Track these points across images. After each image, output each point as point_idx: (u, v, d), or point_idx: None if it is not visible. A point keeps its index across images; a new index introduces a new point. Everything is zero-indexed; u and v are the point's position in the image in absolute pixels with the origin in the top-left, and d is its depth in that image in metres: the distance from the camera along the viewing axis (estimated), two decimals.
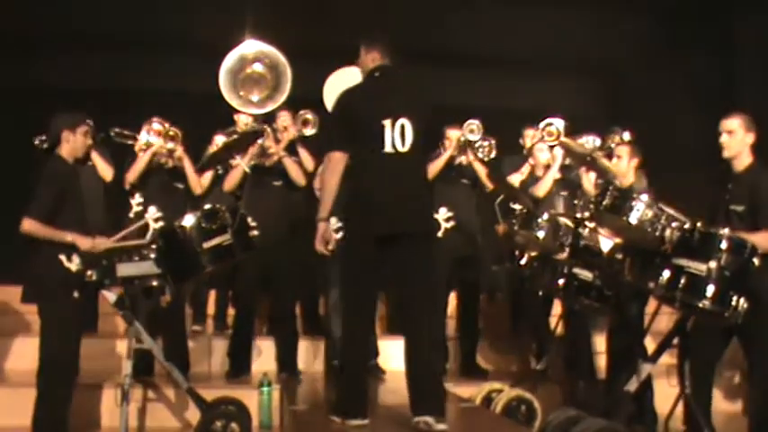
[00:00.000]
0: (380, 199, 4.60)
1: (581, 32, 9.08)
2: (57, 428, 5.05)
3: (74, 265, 5.02)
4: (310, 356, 6.98)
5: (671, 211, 4.77)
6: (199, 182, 6.80)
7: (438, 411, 4.49)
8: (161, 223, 5.83)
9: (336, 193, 4.71)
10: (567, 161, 7.01)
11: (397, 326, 7.26)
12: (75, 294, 5.03)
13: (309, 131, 6.98)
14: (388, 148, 4.60)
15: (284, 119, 6.98)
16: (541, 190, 7.01)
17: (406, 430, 4.45)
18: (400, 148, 4.61)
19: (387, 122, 4.60)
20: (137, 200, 6.80)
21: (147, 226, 6.30)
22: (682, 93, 8.93)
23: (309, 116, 6.96)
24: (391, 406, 5.10)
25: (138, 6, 8.57)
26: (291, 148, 6.91)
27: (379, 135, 4.59)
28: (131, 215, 6.71)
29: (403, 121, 4.61)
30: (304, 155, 6.96)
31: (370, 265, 4.64)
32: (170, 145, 6.65)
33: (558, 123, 7.08)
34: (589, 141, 7.04)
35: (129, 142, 6.83)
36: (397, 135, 4.60)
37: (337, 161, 4.69)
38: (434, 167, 6.81)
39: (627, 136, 7.18)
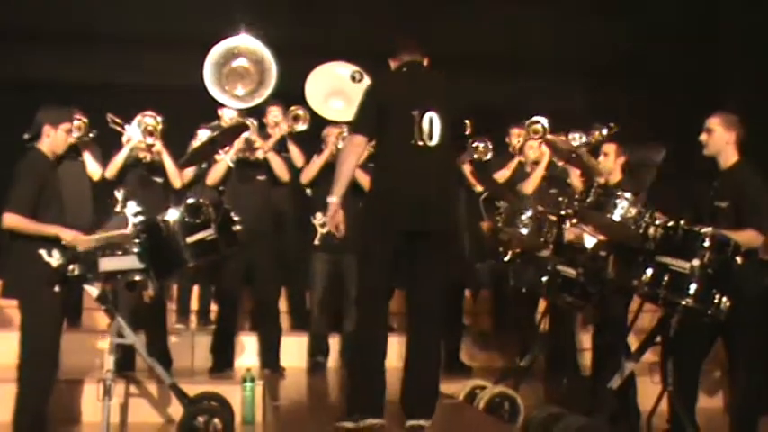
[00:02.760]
0: (406, 193, 4.46)
1: (565, 31, 9.11)
2: (37, 423, 5.02)
3: (54, 260, 4.98)
4: (293, 352, 6.96)
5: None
6: (178, 175, 6.77)
7: (431, 413, 4.48)
8: (140, 218, 5.80)
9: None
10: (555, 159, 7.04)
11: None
12: (56, 289, 4.99)
13: (300, 127, 6.96)
14: (417, 140, 4.47)
15: (275, 114, 6.97)
16: (529, 186, 7.02)
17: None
18: (429, 142, 4.48)
19: (416, 114, 4.47)
20: (122, 194, 6.76)
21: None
22: (664, 91, 8.97)
23: (300, 112, 6.94)
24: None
25: (123, 0, 8.55)
26: (282, 144, 6.90)
27: (409, 126, 4.47)
28: (117, 209, 6.67)
29: (431, 114, 4.49)
30: (294, 151, 6.95)
31: (386, 262, 4.51)
32: (149, 140, 6.62)
33: (543, 121, 7.11)
34: (576, 139, 7.07)
35: (119, 129, 6.79)
36: (426, 128, 4.47)
37: (358, 144, 4.58)
38: None
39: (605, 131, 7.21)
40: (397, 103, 4.54)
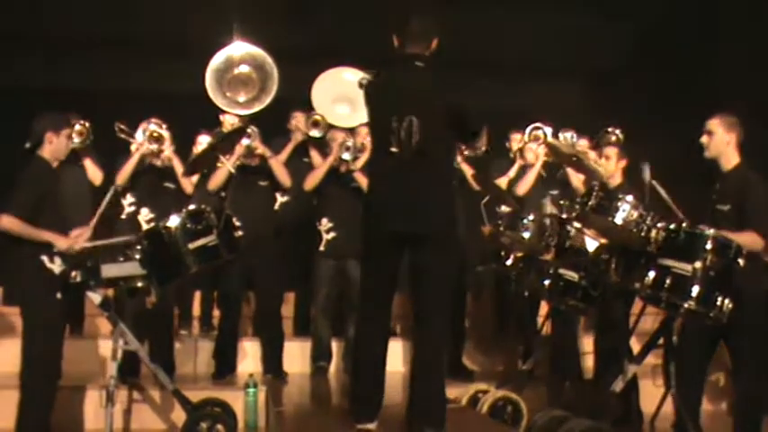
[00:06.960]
0: (386, 200, 4.43)
1: (568, 35, 9.12)
2: (40, 431, 5.02)
3: (56, 266, 4.99)
4: (296, 357, 6.95)
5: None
6: (190, 181, 6.78)
7: (438, 424, 4.36)
8: (153, 224, 5.84)
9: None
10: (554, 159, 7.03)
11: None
12: (58, 295, 5.00)
13: (316, 134, 6.97)
14: (395, 148, 4.35)
15: (299, 119, 6.99)
16: (523, 188, 7.04)
17: None
18: (408, 149, 4.33)
19: (394, 121, 4.34)
20: (128, 200, 6.76)
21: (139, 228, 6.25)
22: (667, 95, 8.97)
23: (319, 117, 6.95)
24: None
25: (126, 7, 8.55)
26: (302, 149, 6.95)
27: (386, 133, 4.36)
28: (123, 216, 6.66)
29: (411, 118, 4.33)
30: (315, 156, 6.96)
31: (378, 265, 4.50)
32: (153, 146, 6.62)
33: (546, 129, 7.13)
34: (567, 138, 7.09)
35: (129, 140, 6.80)
36: (404, 134, 4.33)
37: None
38: None
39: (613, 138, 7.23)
40: (377, 111, 4.51)
